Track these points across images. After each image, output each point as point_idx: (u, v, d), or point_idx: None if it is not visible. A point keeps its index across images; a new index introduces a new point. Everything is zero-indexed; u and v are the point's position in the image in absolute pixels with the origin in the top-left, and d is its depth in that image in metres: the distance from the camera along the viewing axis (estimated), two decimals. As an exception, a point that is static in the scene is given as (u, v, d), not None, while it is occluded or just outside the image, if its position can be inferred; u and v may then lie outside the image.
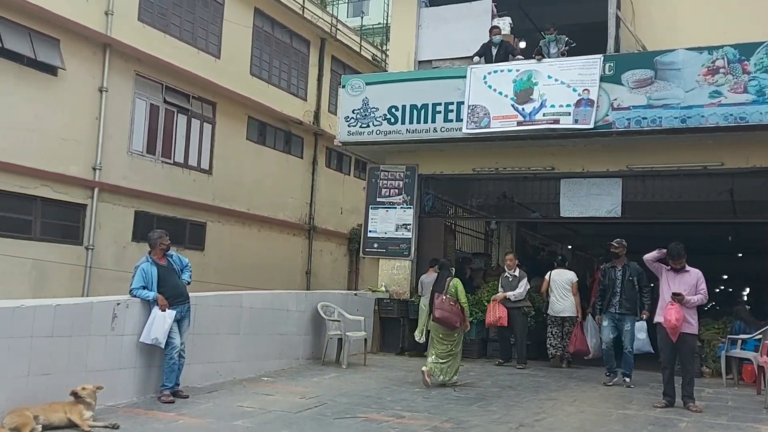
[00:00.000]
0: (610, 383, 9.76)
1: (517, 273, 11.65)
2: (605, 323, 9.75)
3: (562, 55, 11.76)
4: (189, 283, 8.36)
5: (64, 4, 13.71)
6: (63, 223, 14.20)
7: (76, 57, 14.16)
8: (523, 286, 11.57)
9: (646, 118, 10.83)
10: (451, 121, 12.15)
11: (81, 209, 14.46)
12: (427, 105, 12.37)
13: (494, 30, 12.60)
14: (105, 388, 6.89)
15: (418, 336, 10.42)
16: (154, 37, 15.84)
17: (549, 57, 11.82)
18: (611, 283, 9.80)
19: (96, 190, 14.57)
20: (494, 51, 12.50)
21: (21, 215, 13.37)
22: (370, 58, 24.42)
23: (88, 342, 7.19)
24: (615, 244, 9.92)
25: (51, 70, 13.72)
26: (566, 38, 12.00)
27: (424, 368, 9.25)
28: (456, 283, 9.37)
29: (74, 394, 6.43)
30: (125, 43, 14.96)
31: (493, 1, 13.15)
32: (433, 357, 9.30)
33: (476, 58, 12.58)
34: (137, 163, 15.70)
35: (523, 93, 11.60)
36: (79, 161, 14.31)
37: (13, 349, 6.34)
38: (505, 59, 12.25)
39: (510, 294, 11.48)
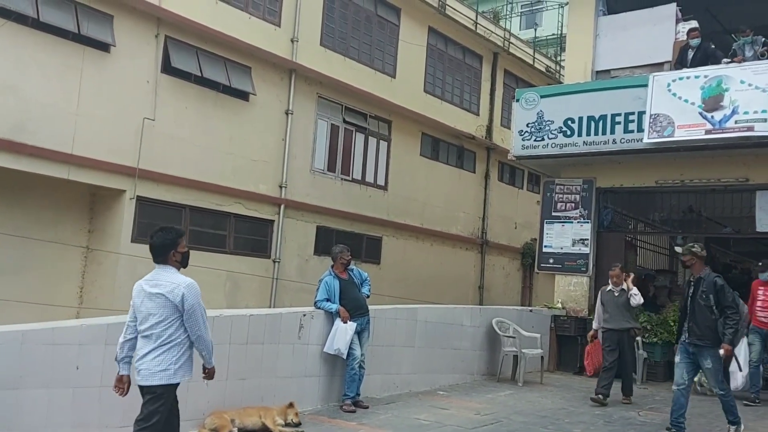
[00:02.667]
0: None
1: (624, 287, 9.59)
2: (677, 358, 7.52)
3: (761, 56, 10.81)
4: (368, 296, 8.67)
5: (256, 35, 14.81)
6: (253, 237, 15.27)
7: (266, 82, 15.22)
8: (638, 297, 9.56)
9: None
10: (632, 131, 11.66)
11: (269, 225, 15.48)
12: (606, 116, 11.96)
13: (692, 33, 11.90)
14: (292, 394, 7.35)
15: None
16: (335, 61, 16.65)
17: (745, 60, 10.96)
18: (683, 303, 7.61)
19: (282, 207, 15.53)
20: (690, 55, 11.81)
21: (217, 231, 14.55)
22: (543, 70, 24.03)
23: (278, 350, 7.68)
24: (678, 250, 7.91)
25: (243, 95, 14.84)
26: (763, 39, 11.07)
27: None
28: None
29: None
30: (309, 67, 15.85)
31: (677, 5, 12.48)
32: None
33: (666, 66, 12.05)
34: (319, 180, 16.54)
35: (712, 100, 10.86)
36: (268, 180, 15.33)
37: (215, 355, 6.89)
38: (703, 64, 11.48)
39: (633, 299, 9.49)
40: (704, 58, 11.61)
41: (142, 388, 4.72)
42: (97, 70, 12.47)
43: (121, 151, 12.68)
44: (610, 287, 9.70)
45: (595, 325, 9.87)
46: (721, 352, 7.04)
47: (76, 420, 5.76)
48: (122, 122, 12.74)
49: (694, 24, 12.33)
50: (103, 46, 12.58)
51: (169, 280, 4.69)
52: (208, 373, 4.98)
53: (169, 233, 4.83)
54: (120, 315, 7.83)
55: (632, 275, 9.95)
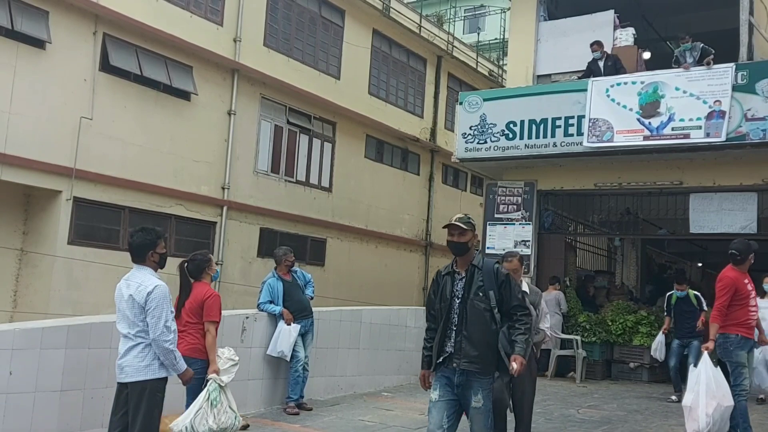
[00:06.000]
0: None
1: (527, 289, 6.50)
2: (433, 394, 4.84)
3: (707, 64, 11.07)
4: (312, 298, 8.64)
5: (198, 34, 14.58)
6: (195, 239, 14.99)
7: (208, 82, 15.00)
8: (546, 316, 6.92)
9: (784, 129, 10.20)
10: (572, 135, 11.90)
11: (211, 227, 15.24)
12: (546, 120, 12.18)
13: (594, 46, 12.28)
14: (235, 398, 7.21)
15: None
16: (279, 61, 16.52)
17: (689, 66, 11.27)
18: (443, 307, 4.86)
19: (225, 209, 15.32)
20: (601, 65, 12.20)
21: (158, 232, 14.23)
22: (486, 73, 24.35)
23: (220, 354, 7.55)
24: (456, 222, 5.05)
25: (185, 95, 14.59)
26: (702, 45, 11.41)
27: None
28: None
29: None
30: (252, 67, 15.69)
31: (615, 12, 12.83)
32: None
33: (573, 77, 12.44)
34: (262, 182, 16.39)
35: (649, 106, 11.19)
36: (210, 181, 15.10)
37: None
38: (615, 74, 11.88)
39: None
40: (615, 68, 12.00)
41: (126, 385, 4.77)
42: (32, 67, 12.08)
43: (57, 150, 12.30)
44: None
45: None
46: (514, 366, 4.64)
47: (8, 427, 5.55)
48: (58, 121, 12.37)
49: (630, 31, 12.72)
50: (39, 43, 12.19)
51: (139, 281, 4.77)
52: (182, 380, 5.02)
53: (149, 233, 4.90)
54: (56, 318, 7.61)
55: None
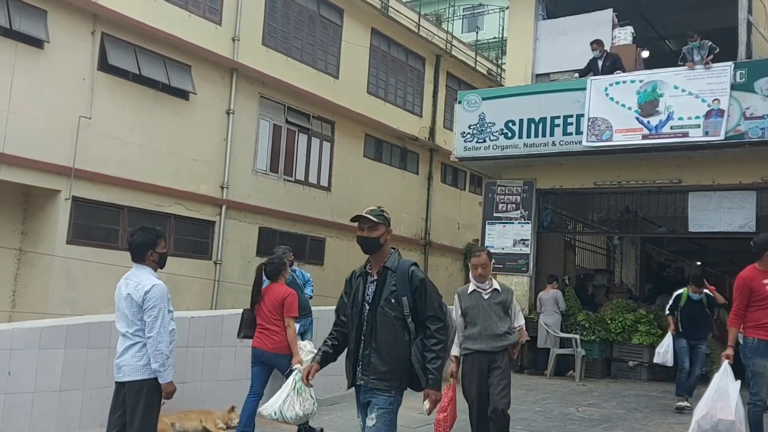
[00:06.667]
0: None
1: (498, 287, 6.12)
2: (360, 420, 4.44)
3: (706, 63, 11.04)
4: (311, 297, 8.64)
5: (196, 33, 14.57)
6: (194, 239, 15.00)
7: (206, 81, 14.99)
8: (519, 312, 6.34)
9: (782, 127, 10.20)
10: (571, 134, 11.90)
11: (210, 226, 15.24)
12: (545, 118, 12.18)
13: (593, 44, 12.28)
14: (234, 397, 7.24)
15: None
16: (277, 60, 16.51)
17: (695, 64, 11.23)
18: (355, 313, 4.33)
19: (224, 208, 15.32)
20: (600, 64, 12.20)
21: (156, 232, 14.23)
22: (485, 72, 24.34)
23: (219, 353, 7.56)
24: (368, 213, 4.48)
25: (183, 94, 14.58)
26: (710, 43, 11.38)
27: None
28: None
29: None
30: (251, 67, 15.69)
31: (614, 11, 12.83)
32: None
33: (575, 75, 12.41)
34: (261, 181, 16.38)
35: (648, 105, 11.19)
36: (209, 180, 15.10)
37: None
38: (612, 73, 11.90)
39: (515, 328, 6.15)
40: (612, 67, 11.99)
41: (124, 384, 4.72)
42: (31, 67, 12.07)
43: (55, 150, 12.30)
44: (472, 287, 6.10)
45: (455, 351, 5.98)
46: (426, 404, 4.19)
47: (7, 427, 5.55)
48: (57, 120, 12.36)
49: (629, 29, 12.71)
50: (37, 42, 12.18)
51: (138, 280, 4.74)
52: (163, 391, 4.71)
53: (150, 233, 4.87)
54: (55, 318, 7.61)
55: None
